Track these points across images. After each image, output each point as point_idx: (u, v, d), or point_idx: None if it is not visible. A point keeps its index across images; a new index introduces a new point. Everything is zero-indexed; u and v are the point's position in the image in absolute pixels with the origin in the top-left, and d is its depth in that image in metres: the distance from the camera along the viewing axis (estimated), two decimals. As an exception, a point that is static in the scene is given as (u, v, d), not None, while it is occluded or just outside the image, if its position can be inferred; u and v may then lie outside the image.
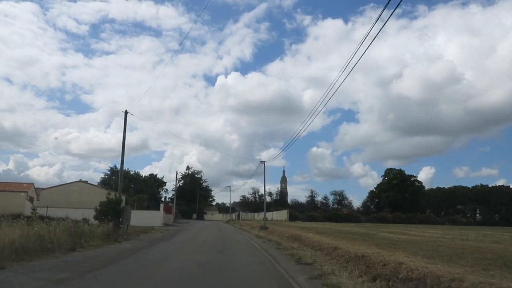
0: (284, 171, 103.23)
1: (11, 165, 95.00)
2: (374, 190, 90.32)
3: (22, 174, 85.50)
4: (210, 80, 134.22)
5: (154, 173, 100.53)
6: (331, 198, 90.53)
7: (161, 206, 35.06)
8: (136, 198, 39.96)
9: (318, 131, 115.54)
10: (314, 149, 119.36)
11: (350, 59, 9.43)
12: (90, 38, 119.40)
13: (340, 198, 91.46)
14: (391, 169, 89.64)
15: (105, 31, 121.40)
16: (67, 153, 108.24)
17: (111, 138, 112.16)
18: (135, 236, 20.26)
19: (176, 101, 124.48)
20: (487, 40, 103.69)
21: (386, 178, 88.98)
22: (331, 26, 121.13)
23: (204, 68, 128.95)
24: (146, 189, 67.74)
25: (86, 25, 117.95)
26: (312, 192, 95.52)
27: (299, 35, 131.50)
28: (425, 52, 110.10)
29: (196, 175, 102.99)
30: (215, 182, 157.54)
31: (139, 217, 31.44)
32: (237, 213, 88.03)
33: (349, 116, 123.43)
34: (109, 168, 71.41)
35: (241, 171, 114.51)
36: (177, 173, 72.26)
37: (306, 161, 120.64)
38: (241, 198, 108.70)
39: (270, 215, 70.01)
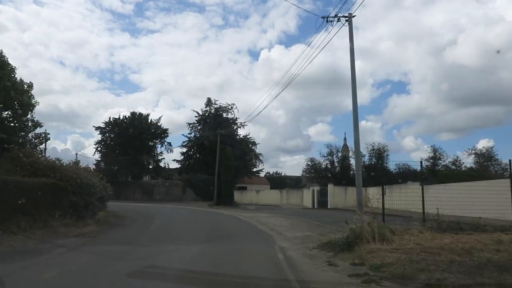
0: (345, 139, 69.20)
1: (69, 145, 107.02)
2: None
3: (79, 153, 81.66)
4: (255, 55, 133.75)
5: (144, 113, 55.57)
6: (468, 160, 47.75)
7: None
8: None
9: (366, 104, 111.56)
10: (363, 122, 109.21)
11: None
12: (135, 17, 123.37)
13: (486, 160, 45.20)
14: None
15: (150, 9, 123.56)
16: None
17: (159, 116, 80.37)
18: None
19: (221, 78, 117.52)
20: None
21: None
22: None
23: (248, 42, 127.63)
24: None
25: (130, 4, 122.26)
26: (435, 151, 49.64)
27: (345, 3, 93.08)
28: (483, 14, 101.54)
29: (223, 114, 56.74)
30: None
31: None
32: (312, 189, 41.36)
33: (400, 87, 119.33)
34: None
35: (289, 147, 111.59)
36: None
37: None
38: (308, 163, 62.41)
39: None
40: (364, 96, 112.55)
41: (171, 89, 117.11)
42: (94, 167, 56.57)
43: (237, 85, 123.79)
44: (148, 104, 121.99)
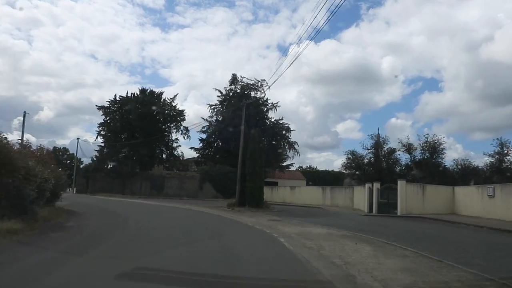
0: (378, 134, 58.54)
1: (100, 138, 72.50)
2: None
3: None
4: (284, 50, 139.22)
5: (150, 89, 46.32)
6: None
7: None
8: None
9: (397, 101, 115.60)
10: (393, 120, 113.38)
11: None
12: (166, 12, 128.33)
13: None
14: None
15: (180, 4, 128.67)
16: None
17: (188, 111, 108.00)
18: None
19: (250, 73, 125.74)
20: None
21: None
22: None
23: (277, 38, 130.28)
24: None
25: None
26: (502, 145, 38.52)
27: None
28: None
29: (251, 93, 46.81)
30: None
31: None
32: (369, 186, 31.14)
33: (432, 84, 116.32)
34: None
35: (316, 143, 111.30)
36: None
37: (384, 132, 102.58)
38: (349, 157, 53.23)
39: None
40: (394, 93, 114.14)
41: (200, 84, 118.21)
42: (97, 154, 48.48)
43: (266, 80, 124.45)
44: (177, 99, 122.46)
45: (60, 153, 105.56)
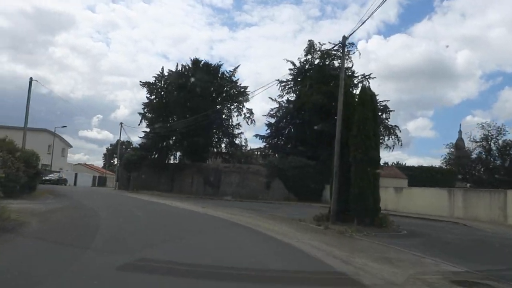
0: (460, 131, 55.96)
1: None
2: None
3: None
4: (352, 46, 77.76)
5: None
6: None
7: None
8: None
9: (473, 98, 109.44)
10: (469, 117, 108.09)
11: None
12: (234, 11, 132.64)
13: None
14: None
15: (248, 2, 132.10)
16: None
17: (255, 108, 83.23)
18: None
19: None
20: None
21: None
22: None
23: (345, 33, 72.14)
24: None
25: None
26: None
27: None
28: None
29: (333, 62, 35.47)
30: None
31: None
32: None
33: None
34: None
35: (385, 141, 70.51)
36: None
37: (456, 131, 76.55)
38: (451, 151, 43.64)
39: None
40: (470, 89, 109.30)
41: (267, 81, 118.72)
42: (142, 141, 39.97)
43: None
44: (238, 73, 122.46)
45: (124, 146, 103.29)
